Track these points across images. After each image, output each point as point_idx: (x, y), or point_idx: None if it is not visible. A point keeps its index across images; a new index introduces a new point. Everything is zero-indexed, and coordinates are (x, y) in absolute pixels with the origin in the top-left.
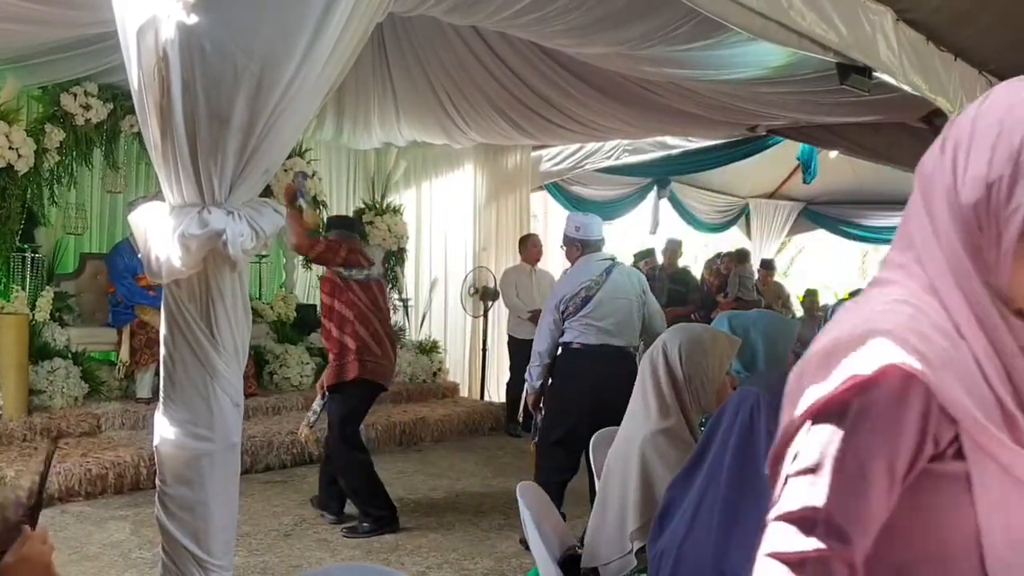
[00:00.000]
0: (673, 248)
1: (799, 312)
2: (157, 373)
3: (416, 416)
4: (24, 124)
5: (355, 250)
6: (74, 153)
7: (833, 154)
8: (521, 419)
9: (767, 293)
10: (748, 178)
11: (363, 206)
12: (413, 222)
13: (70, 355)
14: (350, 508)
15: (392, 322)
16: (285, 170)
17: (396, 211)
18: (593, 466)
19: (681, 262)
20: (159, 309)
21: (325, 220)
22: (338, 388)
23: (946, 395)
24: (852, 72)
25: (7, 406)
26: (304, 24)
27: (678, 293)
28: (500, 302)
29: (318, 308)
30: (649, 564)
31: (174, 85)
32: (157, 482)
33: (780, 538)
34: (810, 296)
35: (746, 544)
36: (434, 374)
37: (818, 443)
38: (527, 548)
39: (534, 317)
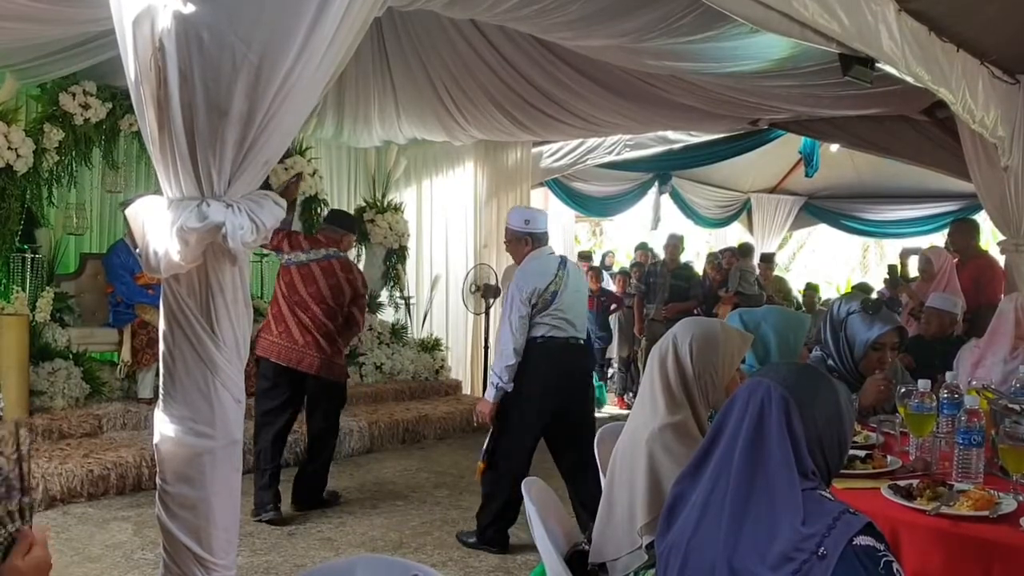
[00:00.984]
0: (675, 243)
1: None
2: (159, 373)
3: (419, 414)
4: (23, 124)
5: (295, 235)
6: (73, 153)
7: (835, 148)
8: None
9: (768, 288)
10: (749, 173)
11: (364, 204)
12: (414, 220)
13: (71, 356)
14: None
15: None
16: (286, 168)
17: (397, 209)
18: (599, 461)
19: (683, 257)
20: (159, 308)
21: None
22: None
23: None
24: (855, 63)
25: (8, 407)
26: (303, 12)
27: (680, 289)
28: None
29: None
30: (657, 559)
31: (171, 76)
32: (158, 481)
33: None
34: (810, 291)
35: (757, 538)
36: (436, 372)
37: None
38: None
39: None
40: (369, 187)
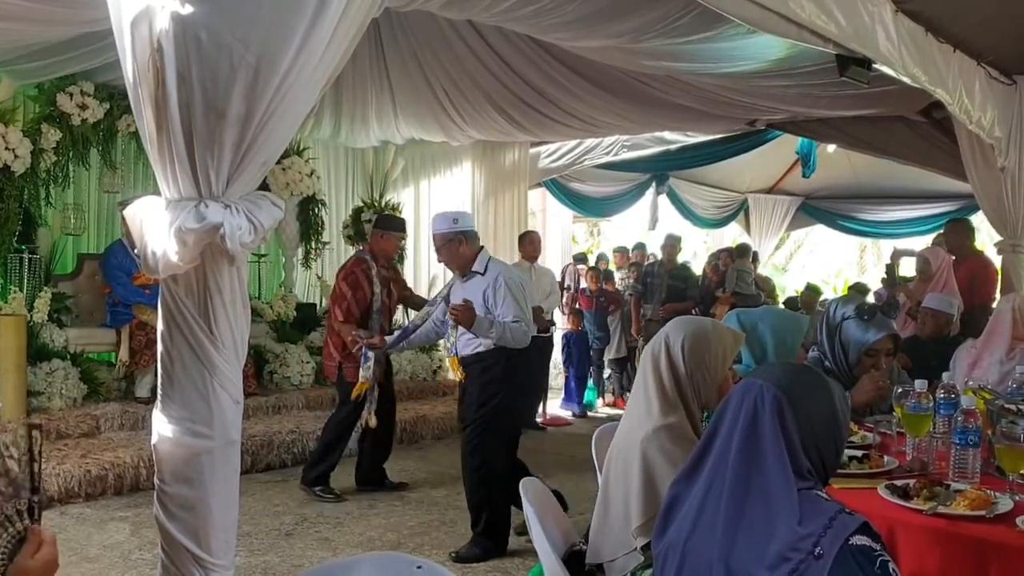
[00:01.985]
0: (672, 244)
1: (780, 304)
2: (156, 373)
3: (417, 414)
4: (20, 124)
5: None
6: (71, 153)
7: (832, 148)
8: None
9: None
10: (747, 173)
11: (361, 204)
12: (412, 220)
13: (69, 356)
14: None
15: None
16: (284, 169)
17: (395, 209)
18: (596, 462)
19: (680, 258)
20: (157, 308)
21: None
22: None
23: None
24: (851, 64)
25: (6, 408)
26: (301, 13)
27: (677, 289)
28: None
29: (318, 307)
30: (654, 560)
31: (169, 77)
32: (156, 481)
33: None
34: (810, 292)
35: (753, 538)
36: (434, 372)
37: None
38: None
39: (532, 314)
40: (367, 187)
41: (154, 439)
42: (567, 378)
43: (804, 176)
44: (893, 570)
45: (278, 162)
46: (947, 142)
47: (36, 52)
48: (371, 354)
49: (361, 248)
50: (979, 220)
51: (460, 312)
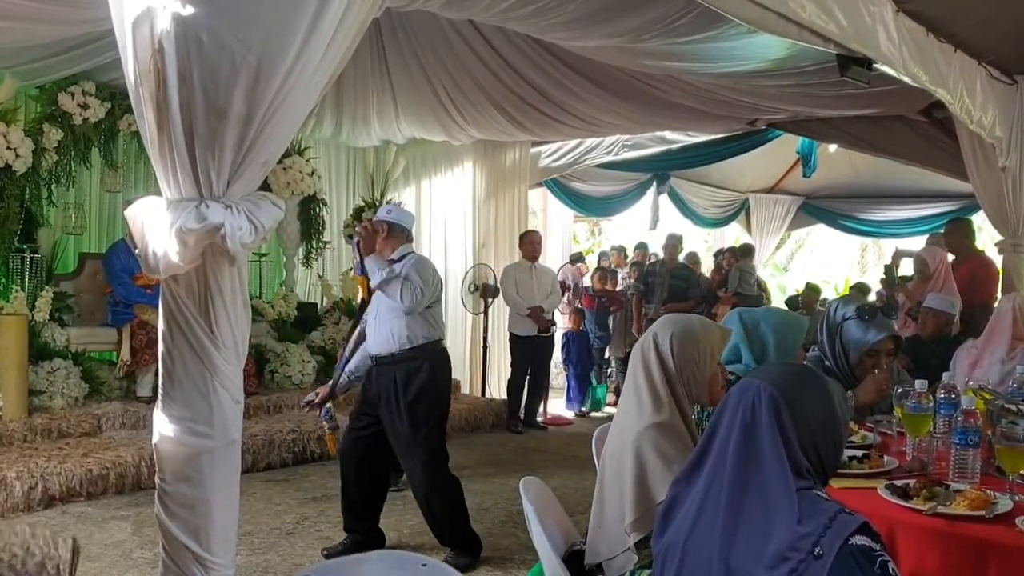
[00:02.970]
0: (674, 243)
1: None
2: (157, 373)
3: None
4: (22, 124)
5: None
6: (72, 152)
7: (833, 148)
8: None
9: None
10: (747, 172)
11: (363, 204)
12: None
13: (70, 355)
14: None
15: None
16: (284, 169)
17: None
18: (595, 461)
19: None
20: (158, 308)
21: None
22: None
23: None
24: (852, 63)
25: (7, 407)
26: (302, 14)
27: (678, 288)
28: (501, 299)
29: (319, 306)
30: (654, 560)
31: (170, 77)
32: (157, 480)
33: None
34: (810, 291)
35: (752, 538)
36: None
37: None
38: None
39: (533, 314)
40: (368, 187)
41: (155, 438)
42: (567, 377)
43: (805, 176)
44: (893, 570)
45: (279, 161)
46: (948, 142)
47: (38, 52)
48: (327, 406)
49: None
50: (980, 220)
51: (365, 231)
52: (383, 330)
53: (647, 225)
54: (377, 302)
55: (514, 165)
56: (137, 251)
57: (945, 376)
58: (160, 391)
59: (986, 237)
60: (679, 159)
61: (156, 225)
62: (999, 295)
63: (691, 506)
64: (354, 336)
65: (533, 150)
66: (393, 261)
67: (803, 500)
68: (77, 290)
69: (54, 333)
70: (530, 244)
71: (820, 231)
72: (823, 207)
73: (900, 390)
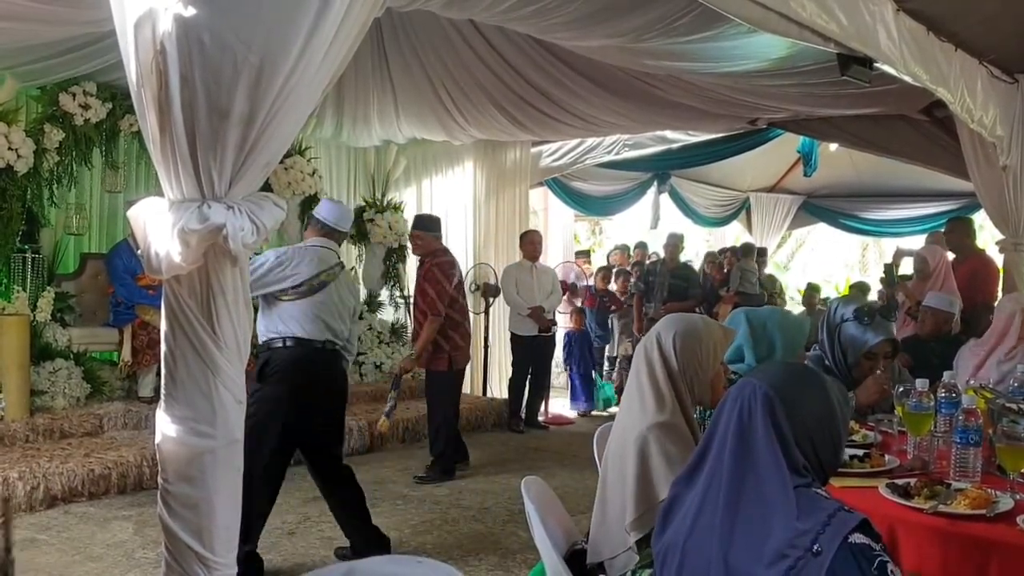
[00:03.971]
0: (674, 243)
1: (793, 304)
2: (159, 373)
3: (419, 412)
4: (23, 124)
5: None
6: (73, 153)
7: (833, 147)
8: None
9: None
10: (748, 172)
11: (364, 203)
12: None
13: (72, 355)
14: None
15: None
16: (286, 168)
17: (396, 208)
18: (597, 460)
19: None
20: (160, 308)
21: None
22: None
23: None
24: (853, 63)
25: (9, 407)
26: (303, 14)
27: (679, 288)
28: (501, 298)
29: None
30: (654, 560)
31: (172, 78)
32: (159, 480)
33: None
34: (811, 291)
35: (750, 536)
36: None
37: None
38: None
39: (534, 313)
40: (369, 186)
41: (157, 438)
42: (570, 377)
43: (805, 175)
44: (891, 571)
45: (280, 161)
46: (949, 141)
47: (39, 52)
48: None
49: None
50: (981, 219)
51: None
52: None
53: (648, 224)
54: None
55: (515, 165)
56: (139, 251)
57: (946, 375)
58: (162, 391)
59: (987, 236)
60: (680, 158)
61: (158, 226)
62: (1000, 294)
63: (690, 506)
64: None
65: (534, 150)
66: None
67: (801, 498)
68: (79, 290)
69: (56, 333)
70: (530, 244)
71: (821, 230)
72: (824, 206)
73: (901, 389)
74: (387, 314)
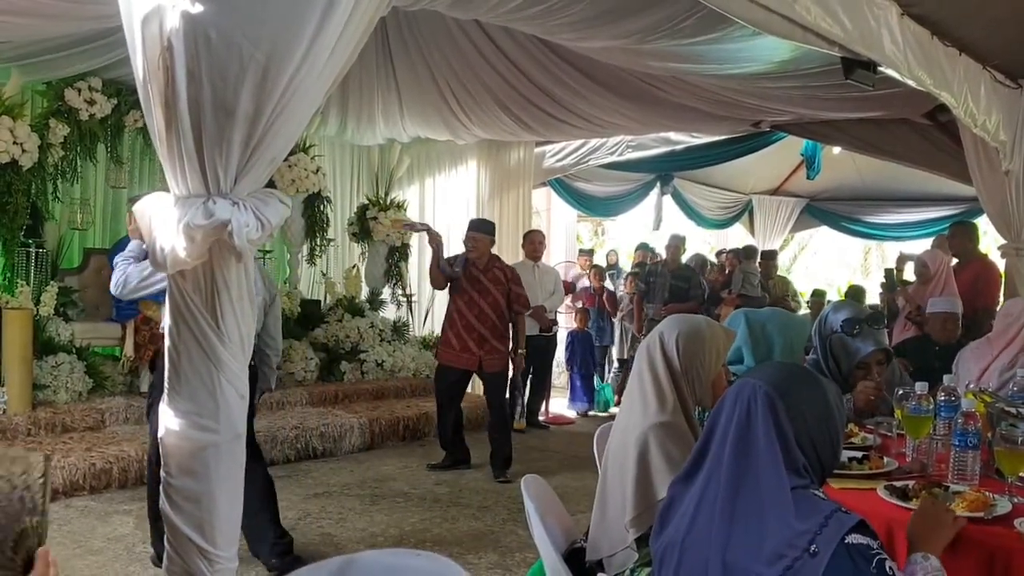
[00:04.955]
0: (676, 244)
1: (804, 308)
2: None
3: (420, 411)
4: (28, 119)
5: None
6: (78, 148)
7: (836, 150)
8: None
9: (775, 289)
10: (751, 174)
11: (367, 202)
12: (416, 218)
13: (74, 350)
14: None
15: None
16: (289, 166)
17: (400, 207)
18: (597, 459)
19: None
20: (162, 304)
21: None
22: None
23: None
24: (857, 66)
25: (12, 401)
26: (310, 12)
27: (680, 289)
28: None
29: (322, 304)
30: (653, 559)
31: (179, 75)
32: (162, 474)
33: None
34: (818, 297)
35: (748, 534)
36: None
37: None
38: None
39: (535, 313)
40: (372, 185)
41: (161, 432)
42: (571, 377)
43: (809, 178)
44: (890, 568)
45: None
46: (952, 145)
47: (45, 47)
48: None
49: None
50: (984, 223)
51: None
52: None
53: (650, 226)
54: None
55: (518, 164)
56: (144, 246)
57: (946, 379)
58: (166, 386)
59: (989, 241)
60: (683, 160)
61: (164, 221)
62: (1002, 299)
63: (689, 505)
64: None
65: (537, 150)
66: None
67: (799, 498)
68: (82, 285)
69: (59, 328)
70: (531, 244)
71: (823, 233)
72: (826, 209)
73: (900, 392)
74: (389, 312)
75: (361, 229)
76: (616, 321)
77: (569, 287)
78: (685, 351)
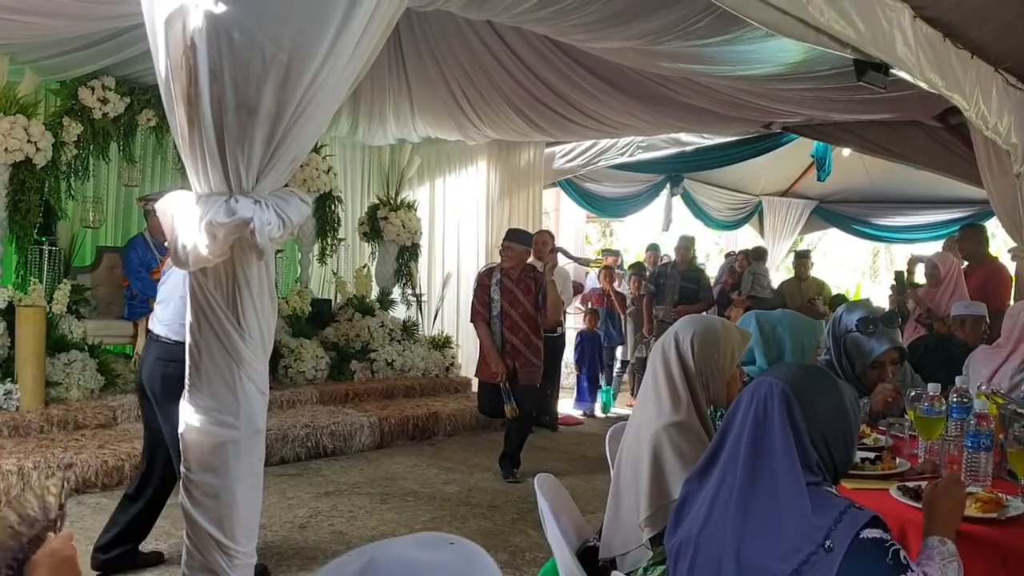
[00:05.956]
0: (686, 245)
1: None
2: None
3: (429, 410)
4: (42, 118)
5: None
6: (91, 147)
7: (847, 152)
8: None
9: (808, 288)
10: (761, 175)
11: (377, 202)
12: (427, 218)
13: (86, 347)
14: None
15: (407, 316)
16: (301, 166)
17: (410, 207)
18: (609, 459)
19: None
20: None
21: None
22: None
23: None
24: (869, 68)
25: (24, 398)
26: (332, 12)
27: (690, 291)
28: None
29: (332, 303)
30: (668, 556)
31: (202, 74)
32: (182, 469)
33: None
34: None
35: (763, 530)
36: (447, 369)
37: None
38: None
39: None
40: (383, 185)
41: (181, 428)
42: (579, 377)
43: (819, 179)
44: (904, 558)
45: None
46: (963, 148)
47: (58, 47)
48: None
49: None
50: (994, 226)
51: None
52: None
53: (660, 227)
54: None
55: (528, 165)
56: (166, 243)
57: (958, 380)
58: (187, 382)
59: (1000, 243)
60: (693, 161)
61: (186, 219)
62: (1012, 302)
63: (703, 502)
64: None
65: (547, 150)
66: None
67: (813, 495)
68: (94, 283)
69: (71, 325)
70: (536, 244)
71: (833, 235)
72: (836, 211)
73: (913, 393)
74: (399, 312)
75: (372, 229)
76: (623, 320)
77: (578, 288)
78: (700, 352)
